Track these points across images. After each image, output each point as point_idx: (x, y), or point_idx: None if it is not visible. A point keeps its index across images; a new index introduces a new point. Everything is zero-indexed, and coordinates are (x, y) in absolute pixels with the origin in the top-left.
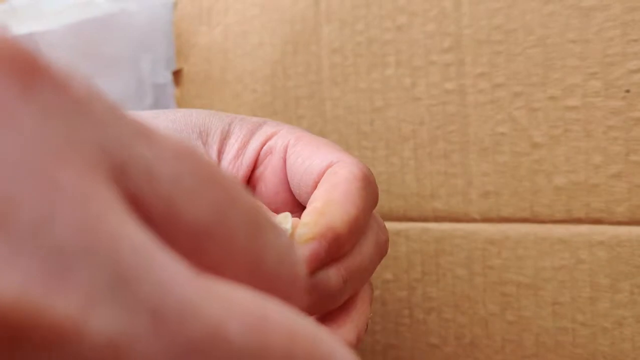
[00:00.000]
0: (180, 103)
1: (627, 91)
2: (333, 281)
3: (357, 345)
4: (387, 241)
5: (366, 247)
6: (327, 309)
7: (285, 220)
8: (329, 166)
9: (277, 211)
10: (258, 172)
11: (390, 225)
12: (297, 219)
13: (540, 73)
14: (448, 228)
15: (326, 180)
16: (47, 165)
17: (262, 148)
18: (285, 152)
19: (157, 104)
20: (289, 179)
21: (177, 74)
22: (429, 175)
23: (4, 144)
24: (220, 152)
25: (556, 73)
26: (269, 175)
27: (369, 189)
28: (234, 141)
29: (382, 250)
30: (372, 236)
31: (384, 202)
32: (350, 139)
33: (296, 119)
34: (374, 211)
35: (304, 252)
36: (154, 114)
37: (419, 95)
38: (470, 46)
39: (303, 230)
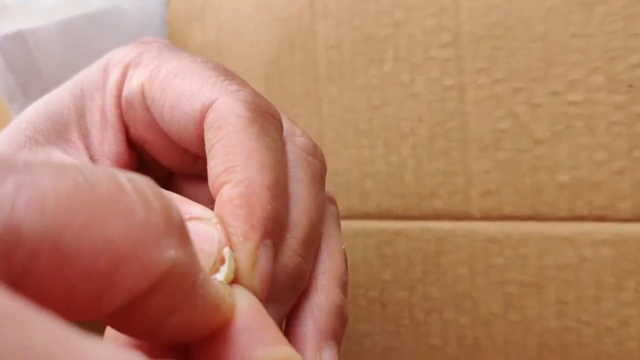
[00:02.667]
0: None
1: (630, 86)
2: (291, 266)
3: (346, 296)
4: (323, 163)
5: (303, 205)
6: (301, 287)
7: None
8: (203, 113)
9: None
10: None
11: (390, 225)
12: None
13: (542, 68)
14: (449, 227)
15: (215, 135)
16: None
17: (120, 96)
18: (144, 99)
19: None
20: (158, 120)
21: None
22: (429, 174)
23: None
24: (85, 139)
25: (558, 68)
26: (140, 128)
27: (270, 126)
28: (90, 118)
29: (321, 164)
30: (307, 187)
31: (384, 201)
32: (348, 137)
33: (293, 118)
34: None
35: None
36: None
37: (418, 92)
38: (470, 42)
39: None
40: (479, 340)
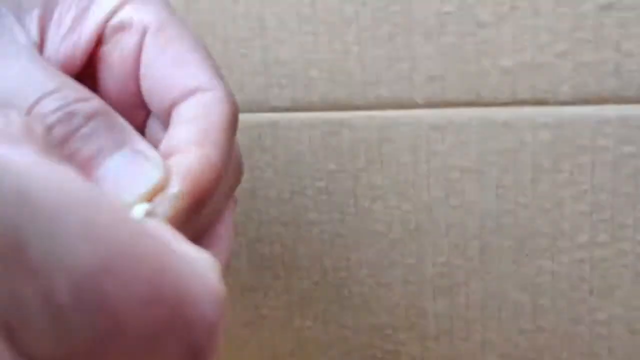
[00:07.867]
0: None
1: None
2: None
3: (228, 267)
4: (241, 165)
5: (224, 183)
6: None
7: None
8: (195, 90)
9: (117, 105)
10: (103, 50)
11: (333, 115)
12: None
13: None
14: (392, 115)
15: (195, 118)
16: None
17: (109, 19)
18: (144, 37)
19: None
20: (141, 75)
21: None
22: (373, 61)
23: None
24: (43, 24)
25: None
26: (117, 59)
27: (235, 128)
28: (67, 7)
29: (237, 177)
30: (230, 170)
31: (328, 91)
32: (290, 23)
33: (232, 2)
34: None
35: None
36: None
37: None
38: None
39: (178, 203)
40: (421, 225)
